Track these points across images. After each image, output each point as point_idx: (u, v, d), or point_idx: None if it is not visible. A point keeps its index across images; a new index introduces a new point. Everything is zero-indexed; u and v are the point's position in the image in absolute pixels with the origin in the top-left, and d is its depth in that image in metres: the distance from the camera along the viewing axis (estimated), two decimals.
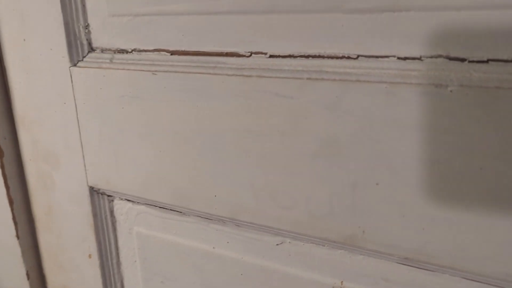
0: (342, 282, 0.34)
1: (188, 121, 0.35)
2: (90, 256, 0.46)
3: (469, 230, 0.28)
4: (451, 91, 0.26)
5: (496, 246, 0.27)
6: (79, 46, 0.39)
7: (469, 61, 0.26)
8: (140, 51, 0.37)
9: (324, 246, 0.34)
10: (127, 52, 0.37)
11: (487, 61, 0.25)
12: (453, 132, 0.26)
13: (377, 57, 0.28)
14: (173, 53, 0.35)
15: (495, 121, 0.25)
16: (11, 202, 0.47)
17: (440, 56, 0.26)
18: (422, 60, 0.27)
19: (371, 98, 0.28)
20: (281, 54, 0.31)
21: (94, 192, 0.44)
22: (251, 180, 0.34)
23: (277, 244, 0.36)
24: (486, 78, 0.25)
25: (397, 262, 0.32)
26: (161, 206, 0.41)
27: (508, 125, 0.25)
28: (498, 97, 0.25)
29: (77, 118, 0.41)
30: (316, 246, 0.34)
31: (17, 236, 0.48)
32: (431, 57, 0.27)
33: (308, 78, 0.30)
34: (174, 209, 0.40)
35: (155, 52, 0.36)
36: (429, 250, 0.29)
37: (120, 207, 0.44)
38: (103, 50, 0.39)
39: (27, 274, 0.50)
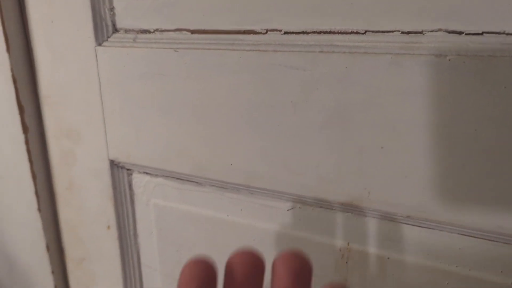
0: (348, 243, 0.37)
1: (207, 95, 0.38)
2: (109, 227, 0.49)
3: (463, 186, 0.31)
4: (449, 60, 0.29)
5: (489, 200, 0.30)
6: (104, 27, 0.42)
7: (466, 34, 0.29)
8: (162, 31, 0.40)
9: (332, 210, 0.37)
10: (149, 32, 0.40)
11: (481, 34, 0.28)
12: (451, 97, 0.29)
13: (383, 32, 0.31)
14: (193, 32, 0.38)
15: (488, 86, 0.28)
16: (34, 177, 0.50)
17: (440, 30, 0.30)
18: (423, 33, 0.30)
19: (378, 68, 0.31)
20: (294, 31, 0.34)
21: (114, 165, 0.47)
22: (265, 148, 0.37)
23: (288, 210, 0.39)
24: (481, 48, 0.28)
25: (400, 222, 0.35)
26: (178, 178, 0.44)
27: (500, 89, 0.28)
28: (491, 65, 0.28)
29: (101, 95, 0.44)
30: (325, 210, 0.37)
31: (39, 210, 0.51)
32: (432, 31, 0.30)
33: (320, 52, 0.33)
34: (191, 180, 0.43)
35: (176, 32, 0.39)
36: (429, 208, 0.32)
37: (138, 180, 0.47)
38: (126, 31, 0.42)
39: (47, 247, 0.52)
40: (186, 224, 0.46)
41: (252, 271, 0.24)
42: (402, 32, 0.31)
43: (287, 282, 0.24)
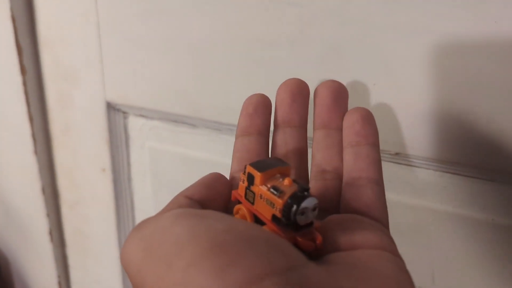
0: None
1: (205, 34, 0.39)
2: (103, 170, 0.50)
3: (452, 125, 0.32)
4: None
5: (472, 137, 0.31)
6: None
7: None
8: None
9: None
10: None
11: None
12: (440, 34, 0.30)
13: None
14: None
15: None
16: (31, 119, 0.51)
17: None
18: None
19: (373, 4, 0.32)
20: None
21: (110, 108, 0.47)
22: (261, 86, 0.38)
23: None
24: None
25: (388, 161, 0.36)
26: (173, 120, 0.45)
27: None
28: None
29: (99, 34, 0.44)
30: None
31: (35, 152, 0.52)
32: None
33: None
34: (187, 122, 0.44)
35: None
36: (417, 145, 0.33)
37: (134, 123, 0.48)
38: None
39: (43, 190, 0.53)
40: (181, 167, 0.47)
41: (298, 91, 0.29)
42: None
43: (328, 100, 0.29)
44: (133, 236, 0.21)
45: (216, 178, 0.27)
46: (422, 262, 0.37)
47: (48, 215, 0.55)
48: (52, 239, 0.56)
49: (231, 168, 0.29)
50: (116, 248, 0.53)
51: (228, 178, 0.28)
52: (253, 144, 0.28)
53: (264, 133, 0.29)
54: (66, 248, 0.57)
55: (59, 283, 0.58)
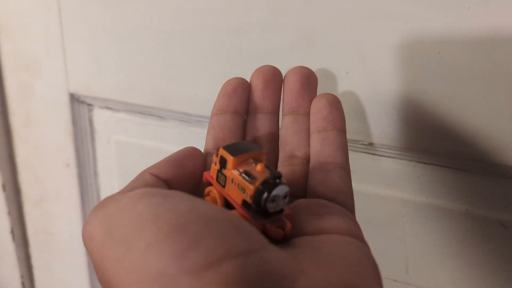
0: None
1: (173, 21, 0.37)
2: (68, 165, 0.48)
3: (425, 114, 0.31)
4: None
5: (445, 127, 0.31)
6: None
7: None
8: None
9: None
10: None
11: None
12: (414, 20, 0.29)
13: None
14: None
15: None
16: None
17: None
18: None
19: None
20: None
21: (74, 99, 0.45)
22: (231, 75, 0.36)
23: None
24: None
25: (361, 151, 0.35)
26: (140, 112, 0.43)
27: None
28: None
29: (61, 23, 0.42)
30: None
31: None
32: None
33: None
34: (154, 114, 0.42)
35: None
36: (390, 135, 0.33)
37: (99, 116, 0.46)
38: None
39: (3, 187, 0.51)
40: (149, 161, 0.44)
41: (271, 77, 0.29)
42: None
43: (297, 85, 0.29)
44: (94, 214, 0.21)
45: (189, 154, 0.26)
46: (396, 253, 0.36)
47: (9, 213, 0.52)
48: (14, 238, 0.53)
49: (205, 145, 0.28)
50: (82, 247, 0.51)
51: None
52: (228, 123, 0.28)
53: (240, 113, 0.29)
54: (29, 247, 0.55)
55: (23, 284, 0.56)
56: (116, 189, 0.48)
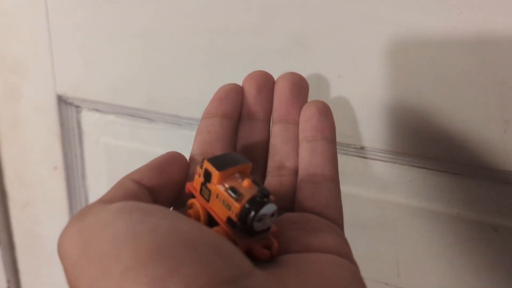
0: None
1: (162, 22, 0.37)
2: (55, 168, 0.47)
3: (417, 118, 0.31)
4: None
5: (437, 130, 0.31)
6: None
7: None
8: None
9: None
10: None
11: None
12: (408, 25, 0.29)
13: None
14: None
15: None
16: None
17: None
18: None
19: None
20: None
21: (62, 101, 0.45)
22: (222, 78, 0.36)
23: None
24: None
25: (353, 155, 0.35)
26: (129, 114, 0.42)
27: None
28: None
29: (48, 24, 0.41)
30: None
31: None
32: None
33: None
34: (143, 116, 0.42)
35: None
36: (382, 138, 0.33)
37: (88, 118, 0.45)
38: None
39: None
40: (138, 163, 0.44)
41: (264, 83, 0.28)
42: None
43: (287, 92, 0.28)
44: (72, 226, 0.20)
45: (172, 159, 0.25)
46: (388, 257, 0.36)
47: None
48: (0, 242, 0.52)
49: (191, 149, 0.28)
50: None
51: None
52: (216, 126, 0.27)
53: (230, 116, 0.28)
54: (16, 251, 0.54)
55: None
56: (105, 191, 0.47)
